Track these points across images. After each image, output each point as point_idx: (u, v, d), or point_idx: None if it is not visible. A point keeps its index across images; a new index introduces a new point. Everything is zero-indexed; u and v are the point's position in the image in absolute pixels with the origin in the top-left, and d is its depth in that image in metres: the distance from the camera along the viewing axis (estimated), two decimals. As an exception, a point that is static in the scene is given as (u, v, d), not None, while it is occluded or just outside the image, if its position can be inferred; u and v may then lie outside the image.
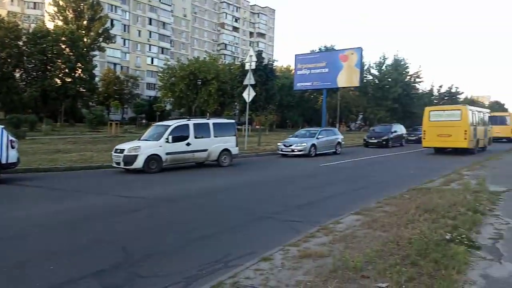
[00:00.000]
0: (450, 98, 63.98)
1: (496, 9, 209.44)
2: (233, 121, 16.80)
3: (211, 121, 15.26)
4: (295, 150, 19.15)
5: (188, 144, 14.02)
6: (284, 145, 19.74)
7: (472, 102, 79.41)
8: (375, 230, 5.57)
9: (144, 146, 13.20)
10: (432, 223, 5.72)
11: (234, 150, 15.72)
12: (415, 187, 9.40)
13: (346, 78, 37.17)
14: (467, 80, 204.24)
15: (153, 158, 13.01)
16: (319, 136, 20.48)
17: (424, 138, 22.37)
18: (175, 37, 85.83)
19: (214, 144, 14.81)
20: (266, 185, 11.14)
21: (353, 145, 28.78)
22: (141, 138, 14.60)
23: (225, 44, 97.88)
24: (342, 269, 4.05)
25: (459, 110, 21.66)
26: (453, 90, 64.11)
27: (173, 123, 14.25)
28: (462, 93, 69.32)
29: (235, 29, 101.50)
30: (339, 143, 21.79)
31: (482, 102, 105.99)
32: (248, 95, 21.88)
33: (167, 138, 13.42)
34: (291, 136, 22.46)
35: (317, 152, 19.72)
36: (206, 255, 4.98)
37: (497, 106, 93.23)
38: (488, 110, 28.88)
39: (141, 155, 12.78)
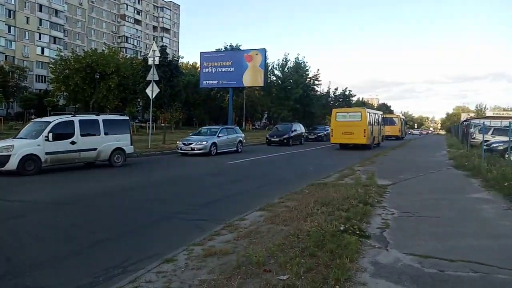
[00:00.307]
0: (344, 100, 69.63)
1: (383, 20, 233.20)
2: (126, 117, 15.82)
3: (101, 118, 14.14)
4: (195, 149, 18.85)
5: (73, 143, 12.84)
6: (184, 144, 19.31)
7: (363, 103, 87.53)
8: (277, 225, 5.79)
9: (19, 145, 11.76)
10: (328, 215, 6.13)
11: (128, 149, 14.85)
12: (313, 182, 10.00)
13: (251, 78, 38.17)
14: (360, 83, 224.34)
15: (30, 159, 11.68)
16: (220, 135, 20.39)
17: (332, 136, 25.96)
18: (69, 26, 79.04)
19: (104, 143, 13.82)
20: (168, 185, 10.85)
21: (256, 143, 29.65)
22: (17, 136, 12.97)
23: (126, 37, 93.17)
24: (245, 265, 4.12)
25: (359, 112, 25.64)
26: (347, 92, 70.02)
27: (54, 119, 12.84)
28: (355, 95, 76.13)
29: (137, 22, 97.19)
30: (240, 141, 21.95)
31: (372, 104, 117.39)
32: (152, 91, 21.17)
33: (46, 136, 12.10)
34: (191, 134, 22.10)
35: (218, 151, 19.66)
36: (103, 261, 4.68)
37: (384, 108, 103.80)
38: (381, 112, 34.35)
39: (15, 156, 11.40)
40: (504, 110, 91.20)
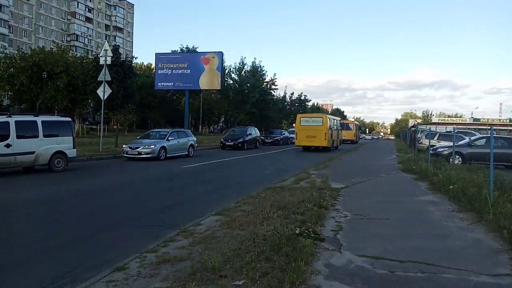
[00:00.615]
0: (300, 104, 71.04)
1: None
2: (68, 119, 14.85)
3: (39, 119, 13.21)
4: (142, 153, 17.97)
5: (8, 146, 12.00)
6: (130, 148, 18.33)
7: (318, 108, 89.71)
8: (233, 230, 5.75)
9: None
10: (284, 219, 6.19)
11: (71, 153, 13.97)
12: (270, 186, 10.07)
13: (208, 81, 37.93)
14: (315, 89, 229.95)
15: None
16: (170, 138, 19.64)
17: (296, 139, 28.43)
18: (15, 22, 74.80)
19: (43, 146, 12.98)
20: (118, 190, 10.48)
21: (210, 147, 29.34)
22: None
23: (77, 35, 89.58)
24: (201, 271, 4.05)
25: (321, 117, 28.42)
26: (302, 97, 71.54)
27: None
28: (310, 100, 77.86)
29: (89, 20, 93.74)
30: (192, 145, 21.26)
31: (326, 109, 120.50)
32: (104, 92, 20.43)
33: None
34: (139, 137, 21.24)
35: (168, 155, 18.96)
36: (49, 271, 4.43)
37: (338, 113, 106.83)
38: (339, 118, 37.21)
39: None
40: (448, 116, 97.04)
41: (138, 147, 18.23)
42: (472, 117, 74.85)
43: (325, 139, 27.00)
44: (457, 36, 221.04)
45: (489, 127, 27.36)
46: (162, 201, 8.76)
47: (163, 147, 18.80)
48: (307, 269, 4.19)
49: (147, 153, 18.02)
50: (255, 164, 18.93)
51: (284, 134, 39.41)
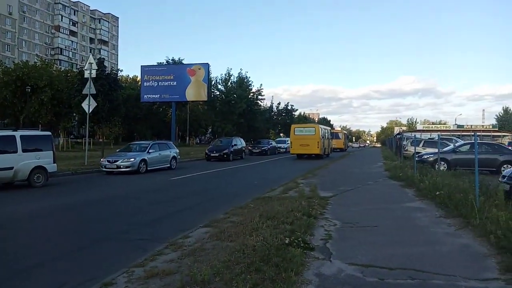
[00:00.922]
0: (287, 114, 71.47)
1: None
2: (48, 133, 14.58)
3: (18, 133, 13.01)
4: (121, 166, 17.32)
5: None
6: (109, 161, 17.69)
7: (305, 118, 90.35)
8: (223, 241, 5.70)
9: None
10: (273, 229, 6.15)
11: (51, 168, 13.73)
12: (258, 196, 10.04)
13: (195, 92, 37.97)
14: (301, 98, 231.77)
15: None
16: (151, 151, 19.04)
17: (291, 147, 30.99)
18: (-3, 36, 73.97)
19: (22, 161, 12.73)
20: (103, 204, 10.31)
21: (196, 158, 29.02)
22: None
23: (61, 49, 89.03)
24: (190, 284, 4.00)
25: (314, 127, 31.24)
26: (289, 107, 72.05)
27: None
28: (297, 110, 78.42)
29: (73, 33, 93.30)
30: (174, 157, 20.68)
31: (313, 118, 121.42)
32: (89, 105, 20.22)
33: None
34: (118, 150, 20.66)
35: (149, 168, 18.41)
36: (33, 289, 4.30)
37: (324, 122, 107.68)
38: (330, 128, 40.19)
39: None
40: (433, 123, 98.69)
41: (117, 161, 17.61)
42: (456, 124, 76.41)
43: (318, 147, 29.23)
44: (439, 44, 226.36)
45: (472, 133, 27.94)
46: (149, 214, 8.65)
47: (144, 160, 18.25)
48: (297, 279, 4.16)
49: (126, 167, 17.41)
50: (242, 175, 18.86)
51: (271, 144, 39.44)
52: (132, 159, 17.81)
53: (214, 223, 6.92)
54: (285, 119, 71.55)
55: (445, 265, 4.71)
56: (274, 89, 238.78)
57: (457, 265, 4.73)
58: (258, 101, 55.05)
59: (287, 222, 6.68)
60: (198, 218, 7.60)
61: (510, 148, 20.67)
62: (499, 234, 5.40)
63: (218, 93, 50.38)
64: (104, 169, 17.73)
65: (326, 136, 33.18)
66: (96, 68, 23.00)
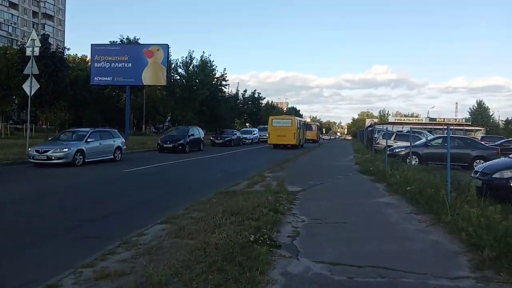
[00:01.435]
0: (253, 103, 71.55)
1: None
2: None
3: None
4: (52, 158, 15.81)
5: None
6: (37, 151, 16.09)
7: (272, 107, 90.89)
8: (182, 239, 5.65)
9: None
10: (237, 226, 6.17)
11: None
12: (222, 190, 10.00)
13: (152, 76, 37.17)
14: (269, 86, 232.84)
15: None
16: (89, 140, 17.57)
17: (269, 138, 34.97)
18: None
19: None
20: (45, 198, 9.99)
21: (146, 149, 27.80)
22: None
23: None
24: (145, 285, 3.95)
25: (290, 119, 35.55)
26: (256, 95, 72.11)
27: None
28: (264, 98, 78.67)
29: (13, 5, 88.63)
30: (119, 147, 19.51)
31: (282, 107, 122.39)
32: (30, 87, 19.39)
33: None
34: (51, 138, 19.34)
35: (88, 160, 17.02)
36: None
37: (293, 112, 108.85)
38: (305, 120, 45.01)
39: None
40: (405, 116, 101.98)
41: (48, 151, 16.04)
42: (428, 117, 79.35)
43: (294, 138, 33.65)
44: (413, 34, 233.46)
45: (445, 127, 29.14)
46: (98, 210, 8.44)
47: (80, 150, 16.75)
48: (262, 278, 4.20)
49: (59, 158, 15.94)
50: (204, 167, 18.73)
51: (236, 134, 39.36)
52: (66, 150, 16.31)
53: (172, 220, 6.84)
54: (252, 108, 71.62)
55: (415, 262, 4.90)
56: (241, 75, 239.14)
57: (427, 262, 4.93)
58: (222, 87, 54.71)
59: (253, 218, 6.71)
60: (154, 214, 7.49)
61: (483, 143, 21.75)
62: (471, 231, 5.67)
63: (178, 77, 49.50)
64: (32, 160, 16.18)
65: (302, 128, 38.12)
66: (40, 45, 22.10)
